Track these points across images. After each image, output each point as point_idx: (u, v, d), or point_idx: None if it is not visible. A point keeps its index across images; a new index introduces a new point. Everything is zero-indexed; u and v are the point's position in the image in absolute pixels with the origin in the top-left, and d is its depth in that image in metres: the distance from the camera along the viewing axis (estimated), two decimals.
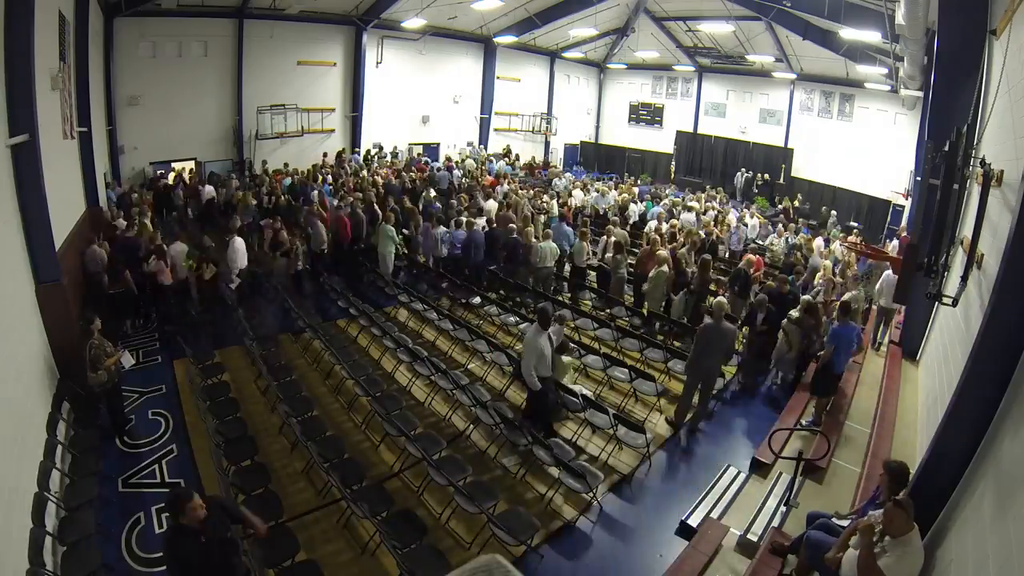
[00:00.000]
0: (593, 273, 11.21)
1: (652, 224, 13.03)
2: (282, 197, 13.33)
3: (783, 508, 5.14)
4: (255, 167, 16.40)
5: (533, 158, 24.07)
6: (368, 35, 18.04)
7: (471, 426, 6.47)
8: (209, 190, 13.57)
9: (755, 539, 4.68)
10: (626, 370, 7.20)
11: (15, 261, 5.52)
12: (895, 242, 13.91)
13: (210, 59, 15.42)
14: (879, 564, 3.19)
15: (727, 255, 12.95)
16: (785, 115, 21.15)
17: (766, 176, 21.07)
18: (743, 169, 21.77)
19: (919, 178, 10.07)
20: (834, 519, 4.28)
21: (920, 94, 14.31)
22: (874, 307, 9.61)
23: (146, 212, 10.96)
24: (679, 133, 24.41)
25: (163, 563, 4.36)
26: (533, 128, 24.75)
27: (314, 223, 10.68)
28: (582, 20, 18.78)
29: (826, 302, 8.62)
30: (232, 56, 15.76)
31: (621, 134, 26.49)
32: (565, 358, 6.54)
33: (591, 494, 5.23)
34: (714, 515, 5.15)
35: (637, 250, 11.58)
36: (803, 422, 6.49)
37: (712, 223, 13.87)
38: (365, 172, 16.66)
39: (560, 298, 10.13)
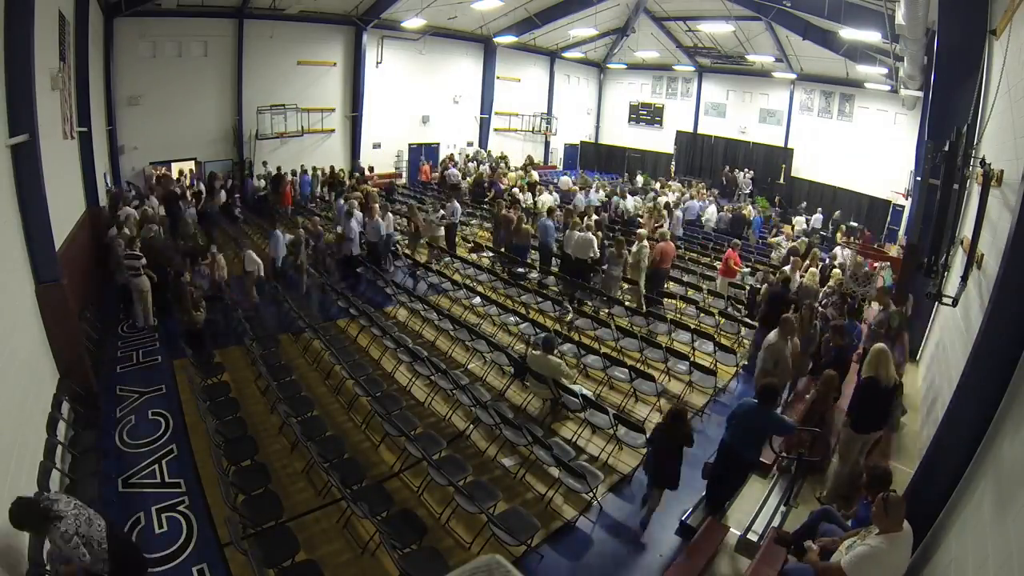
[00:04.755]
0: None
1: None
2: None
3: (783, 508, 5.14)
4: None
5: (529, 157, 24.05)
6: (368, 35, 18.04)
7: (471, 426, 6.47)
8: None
9: (755, 539, 4.68)
10: (626, 370, 7.20)
11: (15, 261, 5.51)
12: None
13: (210, 59, 15.43)
14: (853, 552, 3.27)
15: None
16: (785, 115, 21.18)
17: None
18: (745, 170, 21.82)
19: (919, 178, 10.07)
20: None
21: (920, 94, 14.32)
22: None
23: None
24: (679, 133, 24.44)
25: (163, 563, 4.40)
26: (533, 128, 24.76)
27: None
28: (582, 20, 18.80)
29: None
30: (232, 56, 15.77)
31: (621, 134, 26.52)
32: (553, 359, 6.52)
33: (591, 494, 5.22)
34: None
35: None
36: None
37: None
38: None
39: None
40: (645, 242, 10.20)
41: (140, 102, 14.25)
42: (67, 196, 8.38)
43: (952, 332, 5.62)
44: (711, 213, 16.76)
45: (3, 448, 4.14)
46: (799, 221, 16.87)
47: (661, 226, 12.18)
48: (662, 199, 16.34)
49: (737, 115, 22.80)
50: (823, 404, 5.79)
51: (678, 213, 15.34)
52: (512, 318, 8.94)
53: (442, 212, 12.92)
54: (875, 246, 14.74)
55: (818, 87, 19.88)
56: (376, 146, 19.90)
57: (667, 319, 8.96)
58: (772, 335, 6.41)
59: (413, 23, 17.21)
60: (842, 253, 12.16)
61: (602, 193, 17.02)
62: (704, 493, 5.37)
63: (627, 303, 9.83)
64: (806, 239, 12.87)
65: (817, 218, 16.99)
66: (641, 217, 14.52)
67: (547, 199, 15.00)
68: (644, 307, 9.85)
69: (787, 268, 9.66)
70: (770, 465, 5.73)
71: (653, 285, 10.45)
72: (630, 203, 15.97)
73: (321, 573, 4.06)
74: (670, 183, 20.55)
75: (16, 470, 4.24)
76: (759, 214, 16.99)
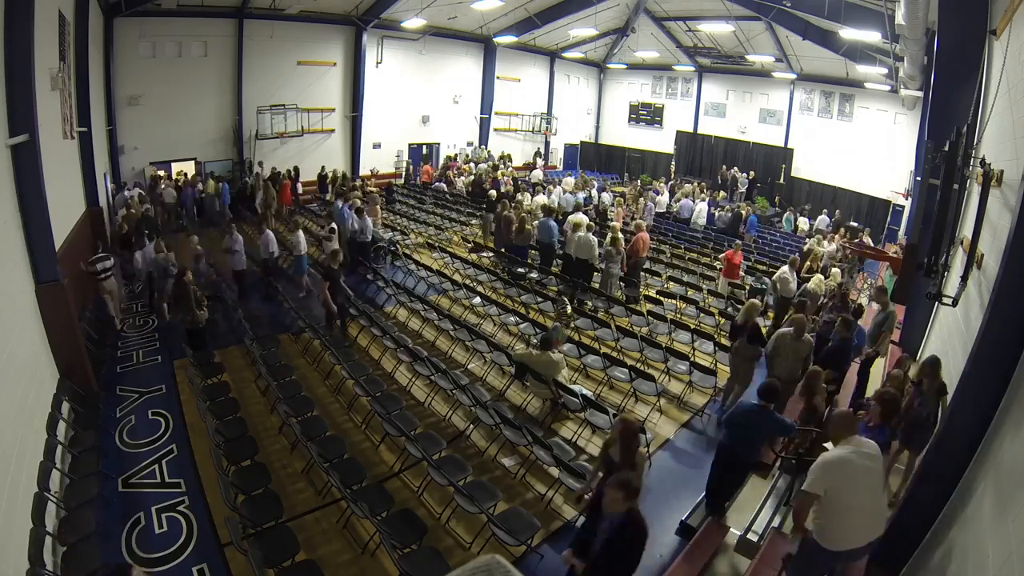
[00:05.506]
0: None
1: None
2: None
3: (783, 508, 5.14)
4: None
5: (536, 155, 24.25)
6: (368, 35, 18.04)
7: (471, 426, 6.47)
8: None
9: (755, 539, 4.68)
10: (626, 370, 7.20)
11: (15, 261, 5.51)
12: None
13: (210, 59, 15.44)
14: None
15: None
16: (785, 115, 21.16)
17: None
18: (736, 169, 21.86)
19: (919, 178, 10.06)
20: None
21: (920, 94, 14.32)
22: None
23: None
24: (679, 133, 24.42)
25: (163, 563, 4.39)
26: (533, 128, 24.76)
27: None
28: (582, 20, 18.79)
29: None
30: (232, 56, 15.77)
31: (621, 134, 26.51)
32: (554, 355, 6.53)
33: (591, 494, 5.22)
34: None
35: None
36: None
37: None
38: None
39: None
40: (619, 234, 10.59)
41: (140, 102, 14.26)
42: (67, 196, 8.39)
43: (952, 332, 5.62)
44: (701, 212, 16.93)
45: (3, 448, 4.14)
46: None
47: (635, 218, 12.52)
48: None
49: (737, 115, 22.78)
50: (810, 400, 5.80)
51: (650, 204, 16.49)
52: (512, 318, 8.94)
53: (333, 225, 11.45)
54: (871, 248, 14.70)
55: (818, 87, 19.86)
56: (376, 146, 19.91)
57: (667, 319, 8.96)
58: (785, 329, 6.66)
59: (413, 23, 17.21)
60: (829, 246, 12.44)
61: (582, 194, 17.24)
62: (704, 493, 5.36)
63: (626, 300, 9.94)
64: (808, 239, 12.95)
65: (822, 219, 16.95)
66: (613, 209, 15.48)
67: (540, 199, 15.03)
68: (640, 297, 10.26)
69: (786, 269, 9.67)
70: (770, 465, 5.74)
71: (629, 275, 10.94)
72: (606, 198, 17.17)
73: (321, 573, 4.06)
74: (665, 183, 20.58)
75: (16, 470, 4.24)
76: (754, 212, 17.05)
